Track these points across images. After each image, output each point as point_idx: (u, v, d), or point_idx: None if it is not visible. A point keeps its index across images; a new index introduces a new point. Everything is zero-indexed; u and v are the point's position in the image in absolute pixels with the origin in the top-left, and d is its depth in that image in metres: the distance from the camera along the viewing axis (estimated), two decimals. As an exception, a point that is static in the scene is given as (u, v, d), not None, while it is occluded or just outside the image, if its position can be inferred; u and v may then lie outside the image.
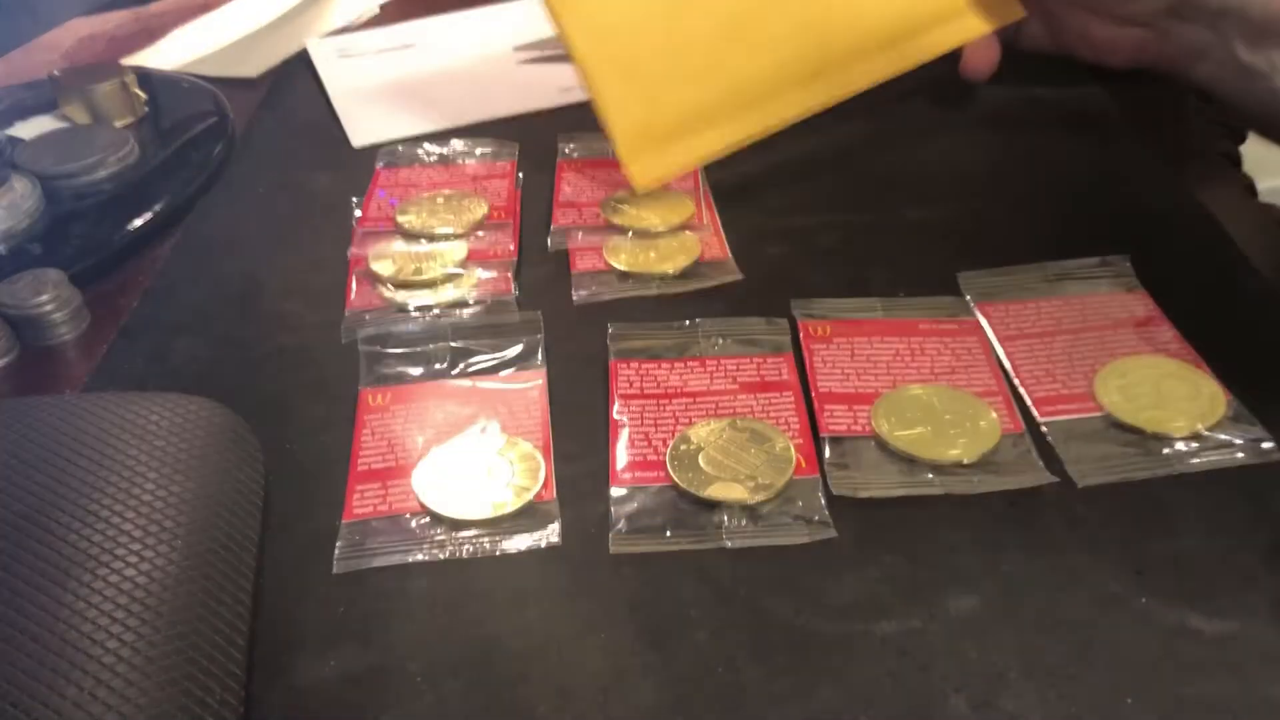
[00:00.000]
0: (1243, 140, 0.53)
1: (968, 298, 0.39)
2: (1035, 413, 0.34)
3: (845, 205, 0.46)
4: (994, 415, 0.34)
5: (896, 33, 0.48)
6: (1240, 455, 0.32)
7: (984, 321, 0.38)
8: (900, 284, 0.41)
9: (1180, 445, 0.33)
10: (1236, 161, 0.52)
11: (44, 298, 0.41)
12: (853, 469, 0.33)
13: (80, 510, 0.28)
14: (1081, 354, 0.37)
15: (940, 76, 0.57)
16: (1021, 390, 0.35)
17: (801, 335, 0.38)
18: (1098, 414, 0.34)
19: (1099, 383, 0.35)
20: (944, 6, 0.48)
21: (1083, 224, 0.44)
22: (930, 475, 0.32)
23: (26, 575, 0.26)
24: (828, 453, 0.33)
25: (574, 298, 0.41)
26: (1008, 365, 0.36)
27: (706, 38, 0.46)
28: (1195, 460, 0.32)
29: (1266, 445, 0.33)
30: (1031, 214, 0.45)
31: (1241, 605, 0.29)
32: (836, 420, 0.34)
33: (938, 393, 0.35)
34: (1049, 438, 0.34)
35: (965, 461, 0.33)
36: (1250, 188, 0.48)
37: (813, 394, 0.35)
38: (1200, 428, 0.33)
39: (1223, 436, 0.33)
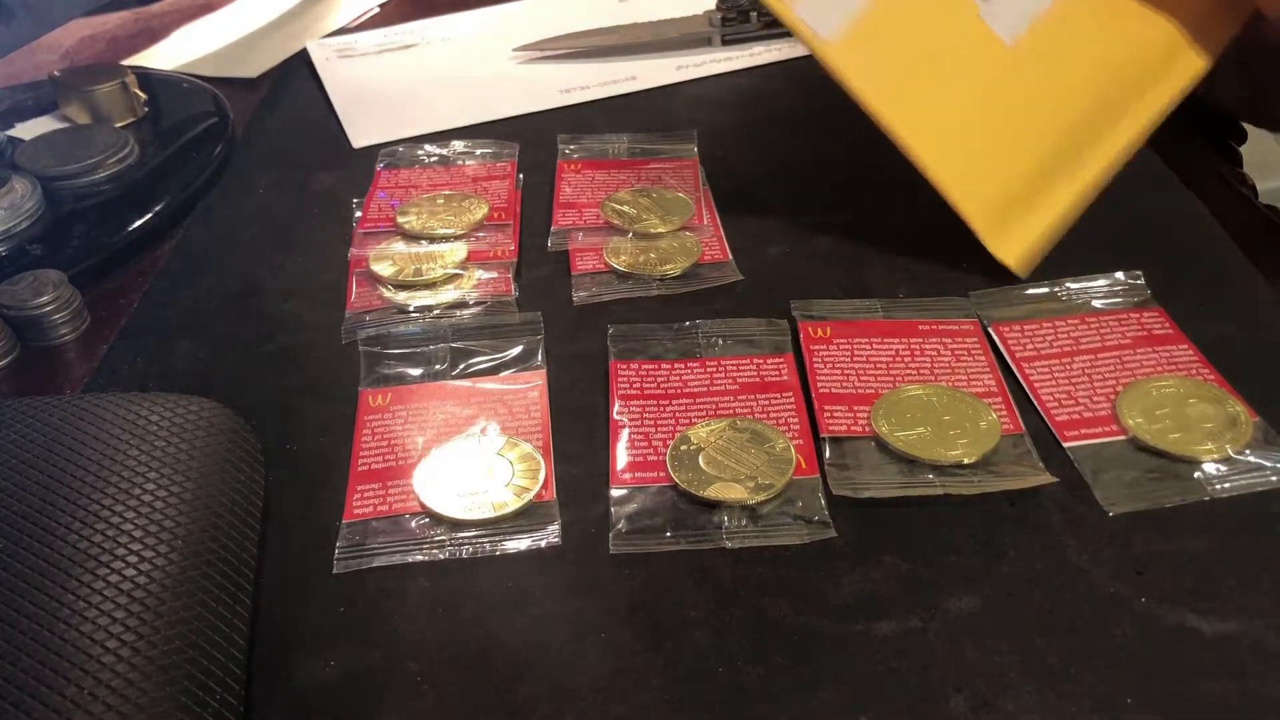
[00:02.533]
0: (1243, 141, 0.53)
1: (979, 315, 0.39)
2: (1060, 438, 0.34)
3: (845, 205, 0.46)
4: (994, 416, 0.34)
5: (1168, 50, 0.45)
6: (1272, 479, 0.32)
7: (999, 341, 0.37)
8: (900, 284, 0.41)
9: (1210, 469, 0.32)
10: (1237, 162, 0.52)
11: (44, 298, 0.41)
12: (852, 469, 0.33)
13: (80, 510, 0.28)
14: (1102, 375, 0.36)
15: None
16: (1043, 413, 0.35)
17: (801, 336, 0.38)
18: (1122, 438, 0.33)
19: (1121, 405, 0.34)
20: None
21: (1081, 224, 0.44)
22: (931, 475, 0.32)
23: (26, 575, 0.26)
24: (828, 453, 0.33)
25: (574, 299, 0.41)
26: (1027, 388, 0.36)
27: (1016, 97, 0.43)
28: (1226, 485, 0.32)
29: None
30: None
31: (1241, 605, 0.29)
32: (836, 421, 0.34)
33: (937, 393, 0.35)
34: (1076, 464, 0.33)
35: (966, 462, 0.32)
36: (1251, 188, 0.48)
37: (813, 394, 0.35)
38: (1229, 451, 0.32)
39: (1252, 459, 0.32)
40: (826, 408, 0.35)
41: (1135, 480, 0.32)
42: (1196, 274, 0.41)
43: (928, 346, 0.37)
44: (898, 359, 0.37)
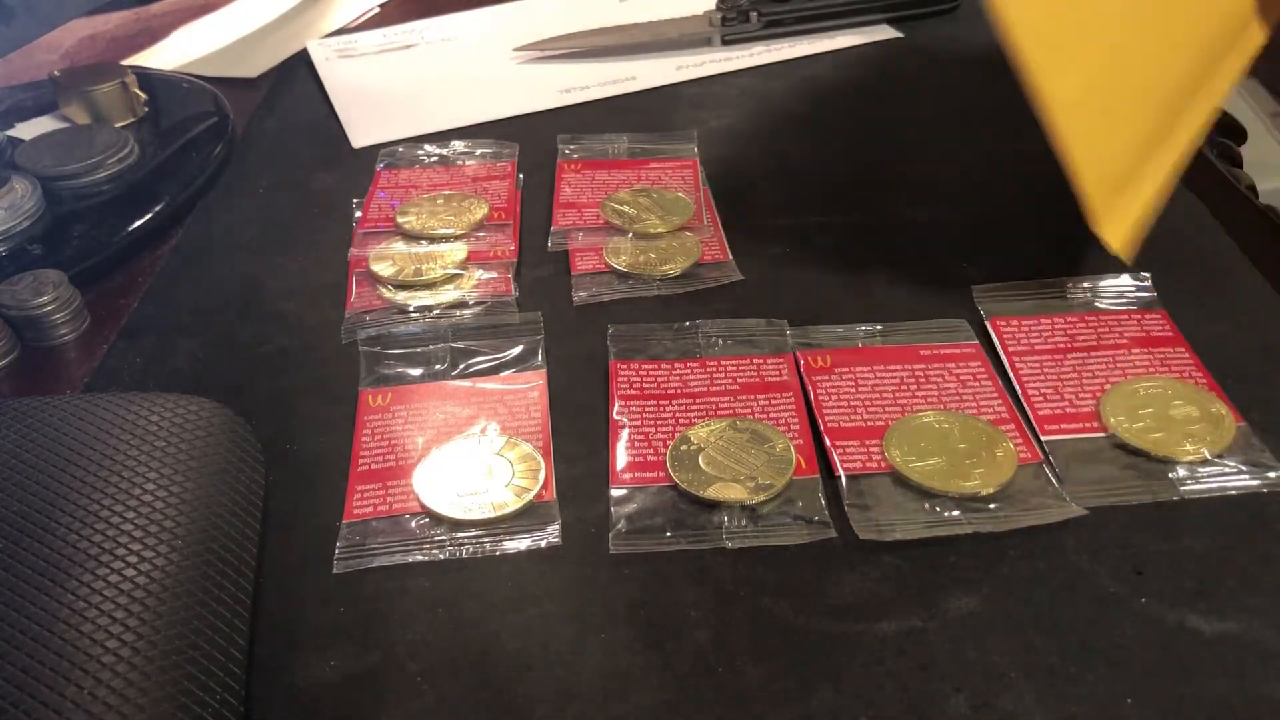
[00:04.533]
0: (1243, 140, 0.53)
1: (980, 309, 0.38)
2: (1038, 431, 0.34)
3: (845, 205, 0.46)
4: (1010, 444, 0.33)
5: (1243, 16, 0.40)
6: (1248, 483, 0.32)
7: (995, 336, 0.37)
8: (900, 284, 0.41)
9: (1183, 470, 0.32)
10: (1237, 162, 0.52)
11: (44, 298, 0.41)
12: (873, 509, 0.32)
13: (80, 510, 0.28)
14: (1091, 373, 0.36)
15: (939, 76, 0.57)
16: (1025, 404, 0.35)
17: (802, 366, 0.37)
18: (1102, 435, 0.33)
19: (1105, 403, 0.34)
20: None
21: (1081, 225, 0.44)
22: (956, 512, 0.31)
23: (26, 575, 0.26)
24: (845, 494, 0.32)
25: (574, 299, 0.41)
26: (1015, 381, 0.35)
27: (1140, 45, 0.37)
28: (1198, 486, 0.32)
29: (1275, 474, 0.32)
30: (1029, 213, 0.45)
31: (1241, 605, 0.29)
32: (850, 458, 0.33)
33: (949, 419, 0.34)
34: (1049, 456, 0.33)
35: (983, 493, 0.32)
36: (1251, 188, 0.48)
37: (821, 430, 0.34)
38: (1207, 453, 0.32)
39: (1230, 463, 0.32)
40: (838, 443, 0.34)
41: (1106, 476, 0.32)
42: (1196, 274, 0.41)
43: (932, 373, 0.36)
44: (903, 387, 0.36)
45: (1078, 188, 0.35)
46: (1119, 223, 0.37)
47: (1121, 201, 0.36)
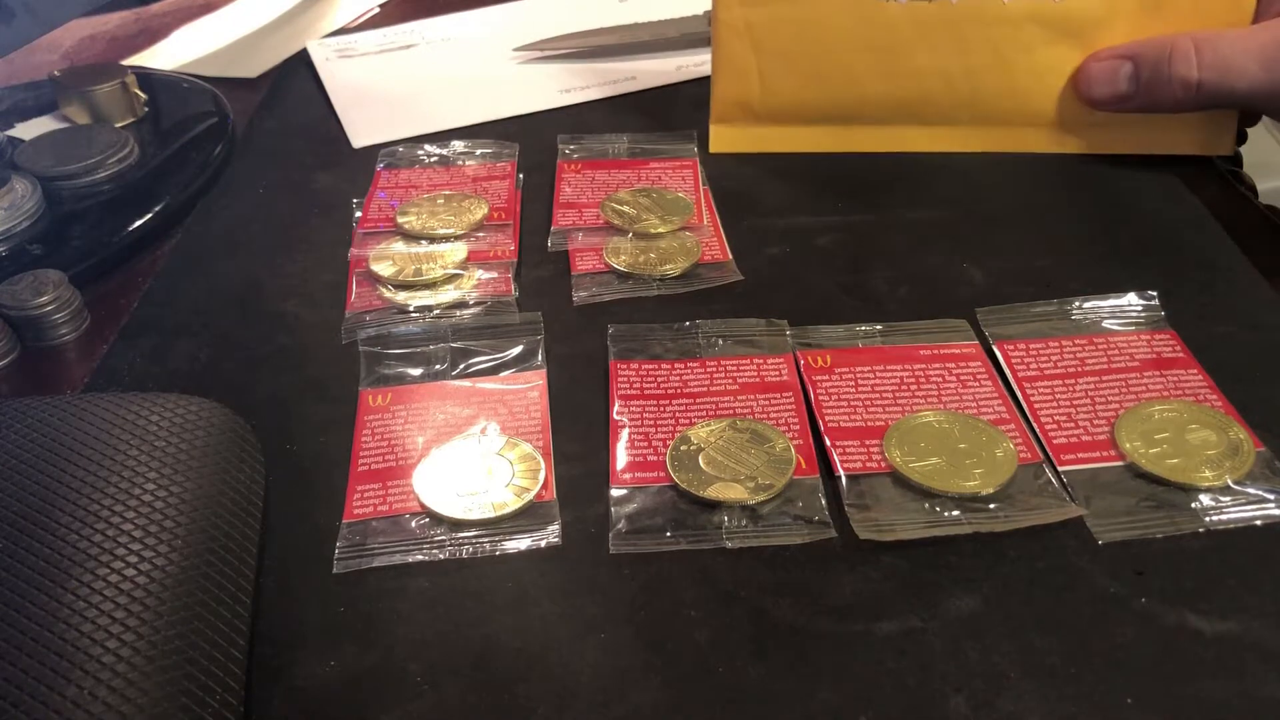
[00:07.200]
0: (1243, 141, 0.53)
1: (987, 332, 0.38)
2: (1055, 461, 0.33)
3: (845, 205, 0.46)
4: (1010, 444, 0.33)
5: (1041, 116, 0.48)
6: (1273, 512, 0.31)
7: (1002, 360, 0.37)
8: (900, 284, 0.41)
9: (1206, 499, 0.31)
10: (1237, 162, 0.52)
11: (44, 298, 0.41)
12: (874, 509, 0.31)
13: (80, 510, 0.28)
14: (1104, 397, 0.35)
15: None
16: (1040, 435, 0.34)
17: (802, 366, 0.37)
18: (1119, 463, 0.32)
19: (1119, 428, 0.33)
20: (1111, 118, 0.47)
21: (1081, 225, 0.44)
22: (956, 512, 0.31)
23: (26, 575, 0.26)
24: (845, 494, 0.32)
25: (574, 299, 0.41)
26: (1027, 408, 0.35)
27: (846, 46, 0.46)
28: (1223, 517, 0.31)
29: None
30: (1028, 214, 0.45)
31: (1241, 605, 0.29)
32: (851, 458, 0.33)
33: (950, 419, 0.34)
34: (1070, 489, 0.32)
35: (983, 493, 0.31)
36: (1251, 188, 0.48)
37: (821, 430, 0.34)
38: (1229, 480, 0.31)
39: (1252, 490, 0.31)
40: (838, 443, 0.34)
41: (1129, 508, 0.31)
42: (1196, 274, 0.41)
43: (932, 373, 0.36)
44: (903, 387, 0.36)
45: (713, 89, 0.49)
46: (726, 139, 0.50)
47: (739, 127, 0.49)
